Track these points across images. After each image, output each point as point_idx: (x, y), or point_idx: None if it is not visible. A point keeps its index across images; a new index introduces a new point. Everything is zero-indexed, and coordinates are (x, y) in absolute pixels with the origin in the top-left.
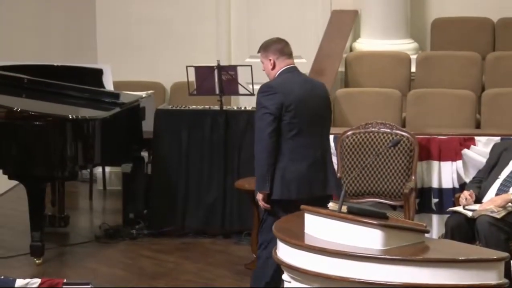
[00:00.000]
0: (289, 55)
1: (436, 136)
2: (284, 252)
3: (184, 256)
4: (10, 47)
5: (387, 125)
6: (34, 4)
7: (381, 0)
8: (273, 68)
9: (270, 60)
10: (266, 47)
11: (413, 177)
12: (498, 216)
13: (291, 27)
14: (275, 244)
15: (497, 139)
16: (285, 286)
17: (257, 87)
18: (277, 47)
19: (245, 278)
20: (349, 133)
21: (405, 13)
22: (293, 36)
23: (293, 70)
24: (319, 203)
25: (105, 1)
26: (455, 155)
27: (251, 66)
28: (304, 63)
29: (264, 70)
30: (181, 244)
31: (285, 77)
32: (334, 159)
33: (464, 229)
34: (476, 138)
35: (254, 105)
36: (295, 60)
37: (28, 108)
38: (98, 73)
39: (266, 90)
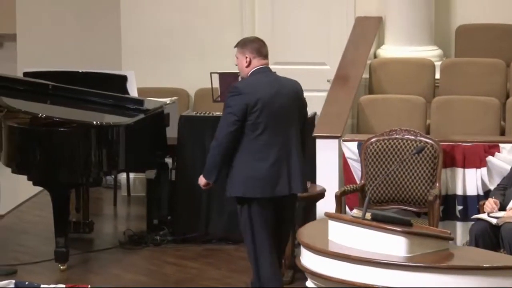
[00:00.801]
0: (265, 56)
1: (460, 143)
2: (308, 259)
3: (207, 263)
4: (34, 53)
5: (411, 132)
6: (59, 11)
7: (406, 6)
8: (248, 66)
9: (246, 57)
10: (244, 44)
11: (437, 184)
12: None
13: (315, 33)
14: (260, 243)
15: None
16: None
17: None
18: (255, 46)
19: None
20: (373, 140)
21: (429, 20)
22: (318, 42)
23: (265, 70)
24: (284, 202)
25: (130, 7)
26: (480, 162)
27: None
28: (328, 69)
29: (237, 65)
30: (205, 251)
31: (255, 78)
32: (358, 166)
33: (488, 237)
34: (501, 145)
35: None
36: (319, 67)
37: (53, 114)
38: (123, 79)
39: (232, 91)
